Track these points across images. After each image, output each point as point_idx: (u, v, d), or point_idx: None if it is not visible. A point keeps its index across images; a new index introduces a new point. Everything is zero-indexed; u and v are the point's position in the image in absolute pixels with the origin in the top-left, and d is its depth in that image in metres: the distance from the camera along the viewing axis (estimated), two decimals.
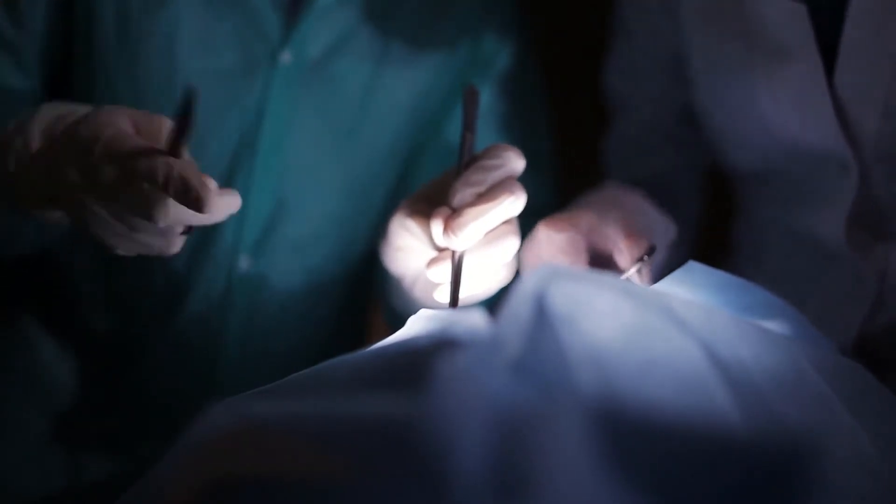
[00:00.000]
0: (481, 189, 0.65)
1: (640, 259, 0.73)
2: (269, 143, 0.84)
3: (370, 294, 0.98)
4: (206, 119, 0.83)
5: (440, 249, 0.68)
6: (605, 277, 0.54)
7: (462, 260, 0.66)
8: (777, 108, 0.84)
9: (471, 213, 0.64)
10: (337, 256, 0.91)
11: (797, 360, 0.57)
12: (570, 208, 0.80)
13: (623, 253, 0.74)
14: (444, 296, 0.67)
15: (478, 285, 0.69)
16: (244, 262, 0.87)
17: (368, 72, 0.87)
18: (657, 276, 0.75)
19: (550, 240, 0.75)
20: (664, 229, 0.82)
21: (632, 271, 0.73)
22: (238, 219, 0.85)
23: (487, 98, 0.92)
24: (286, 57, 0.83)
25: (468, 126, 0.69)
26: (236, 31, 0.83)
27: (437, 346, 0.47)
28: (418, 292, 0.74)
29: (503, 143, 0.66)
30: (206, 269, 0.86)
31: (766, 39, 0.82)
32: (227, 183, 0.84)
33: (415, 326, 0.61)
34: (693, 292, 0.63)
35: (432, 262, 0.67)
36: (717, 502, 0.44)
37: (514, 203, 0.65)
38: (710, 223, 1.04)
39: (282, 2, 0.83)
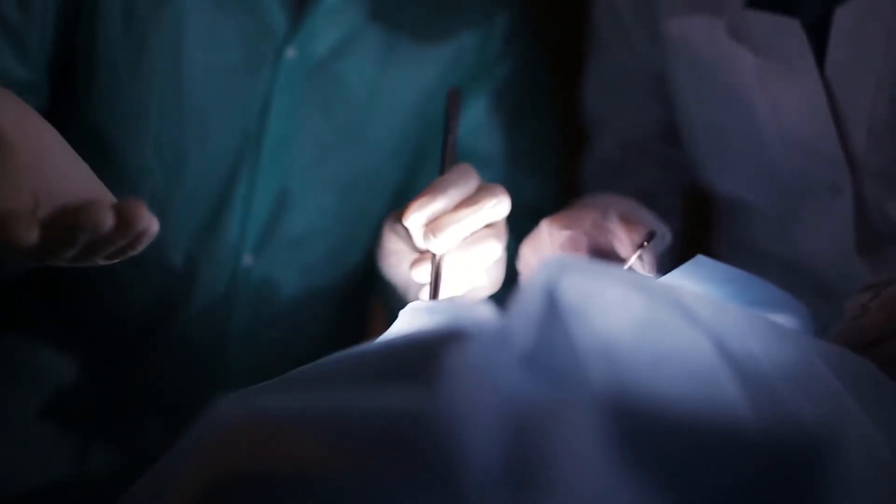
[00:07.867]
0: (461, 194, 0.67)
1: (641, 245, 0.73)
2: (274, 140, 0.84)
3: (371, 293, 0.98)
4: (211, 115, 0.82)
5: (423, 251, 0.70)
6: (616, 270, 0.54)
7: (441, 262, 0.68)
8: (771, 121, 0.83)
9: (451, 216, 0.66)
10: (337, 255, 0.90)
11: (807, 354, 0.56)
12: (572, 207, 0.80)
13: (623, 242, 0.74)
14: (426, 297, 0.69)
15: (460, 287, 0.71)
16: (248, 260, 0.86)
17: (373, 72, 0.86)
18: (660, 271, 0.75)
19: (553, 236, 0.75)
20: (662, 233, 0.81)
21: (633, 259, 0.73)
22: (242, 216, 0.84)
23: (492, 99, 0.92)
24: (291, 53, 0.83)
25: (450, 128, 0.71)
26: (242, 27, 0.82)
27: (446, 339, 0.46)
28: (412, 296, 0.75)
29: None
30: (210, 267, 0.86)
31: (757, 54, 0.81)
32: (231, 179, 0.84)
33: (407, 319, 0.61)
34: (701, 286, 0.63)
35: (414, 263, 0.70)
36: (728, 496, 0.44)
37: (497, 206, 0.68)
38: (692, 240, 1.02)
39: None
